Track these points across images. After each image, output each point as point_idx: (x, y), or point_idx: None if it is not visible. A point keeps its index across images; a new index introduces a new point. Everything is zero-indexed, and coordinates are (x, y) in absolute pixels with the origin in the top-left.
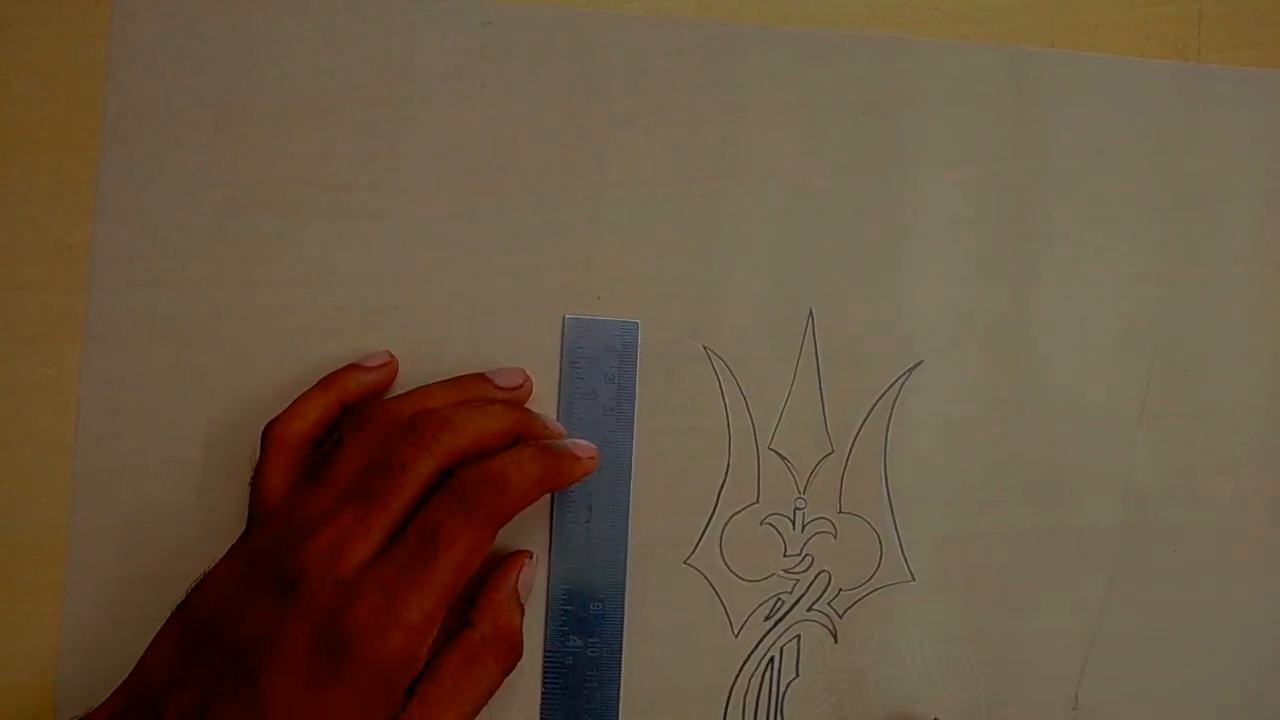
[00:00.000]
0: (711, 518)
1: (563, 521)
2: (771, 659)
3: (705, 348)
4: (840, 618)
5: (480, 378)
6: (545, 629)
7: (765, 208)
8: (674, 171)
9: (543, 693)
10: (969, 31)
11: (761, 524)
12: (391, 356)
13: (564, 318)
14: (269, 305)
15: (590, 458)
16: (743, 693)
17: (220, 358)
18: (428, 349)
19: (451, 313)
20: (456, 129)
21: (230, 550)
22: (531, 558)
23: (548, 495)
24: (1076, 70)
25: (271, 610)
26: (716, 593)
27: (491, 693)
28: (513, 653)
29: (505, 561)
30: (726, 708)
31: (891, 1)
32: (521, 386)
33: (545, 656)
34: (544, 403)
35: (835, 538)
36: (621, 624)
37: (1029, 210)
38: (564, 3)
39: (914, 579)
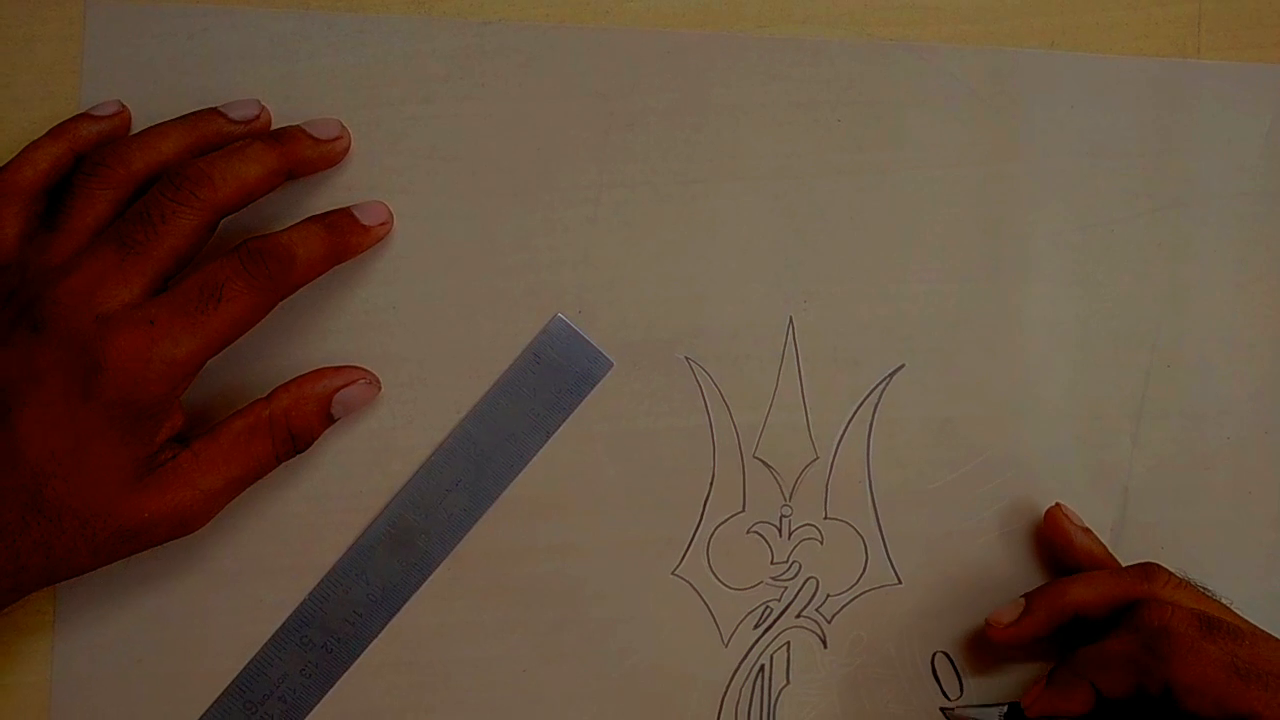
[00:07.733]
0: (698, 528)
1: (426, 477)
2: (762, 667)
3: (687, 359)
4: (829, 623)
5: (212, 112)
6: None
7: (759, 210)
8: (673, 172)
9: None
10: (969, 31)
11: (748, 532)
12: (123, 106)
13: (556, 315)
14: None
15: (381, 224)
16: (734, 702)
17: (218, 358)
18: (427, 349)
19: (451, 312)
20: (456, 129)
21: None
22: (370, 383)
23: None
24: (1068, 71)
25: (22, 348)
26: (705, 603)
27: (262, 472)
28: (290, 444)
29: (339, 368)
30: (719, 718)
31: (893, 1)
32: (258, 118)
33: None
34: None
35: (821, 544)
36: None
37: (1021, 212)
38: (564, 2)
39: (900, 582)
